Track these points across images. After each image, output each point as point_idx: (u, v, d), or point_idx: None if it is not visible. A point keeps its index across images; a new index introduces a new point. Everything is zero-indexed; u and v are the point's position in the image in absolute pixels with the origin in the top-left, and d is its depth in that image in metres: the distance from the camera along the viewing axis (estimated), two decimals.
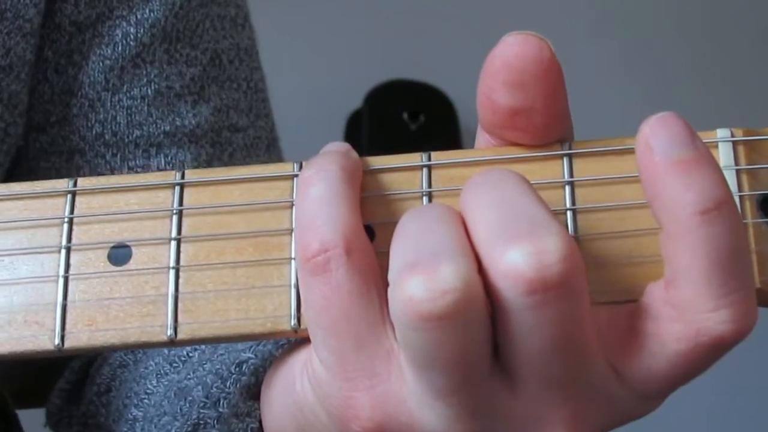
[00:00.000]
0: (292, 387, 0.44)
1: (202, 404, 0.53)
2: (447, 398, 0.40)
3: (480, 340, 0.39)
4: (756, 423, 2.03)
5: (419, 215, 0.41)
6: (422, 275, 0.37)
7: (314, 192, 0.41)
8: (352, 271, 0.40)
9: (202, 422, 0.52)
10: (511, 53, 0.41)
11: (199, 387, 0.54)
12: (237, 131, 0.71)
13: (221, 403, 0.52)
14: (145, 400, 0.59)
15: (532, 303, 0.38)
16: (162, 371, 0.60)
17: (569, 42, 2.13)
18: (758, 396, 2.03)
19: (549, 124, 0.43)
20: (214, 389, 0.53)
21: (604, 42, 2.16)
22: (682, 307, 0.39)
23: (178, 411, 0.54)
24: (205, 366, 0.56)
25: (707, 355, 0.40)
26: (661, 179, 0.39)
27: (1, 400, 0.58)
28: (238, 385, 0.51)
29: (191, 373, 0.56)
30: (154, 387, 0.59)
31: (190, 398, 0.54)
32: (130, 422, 0.59)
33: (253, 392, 0.51)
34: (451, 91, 2.12)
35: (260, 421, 0.49)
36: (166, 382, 0.58)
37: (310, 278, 0.41)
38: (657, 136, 0.39)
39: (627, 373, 0.41)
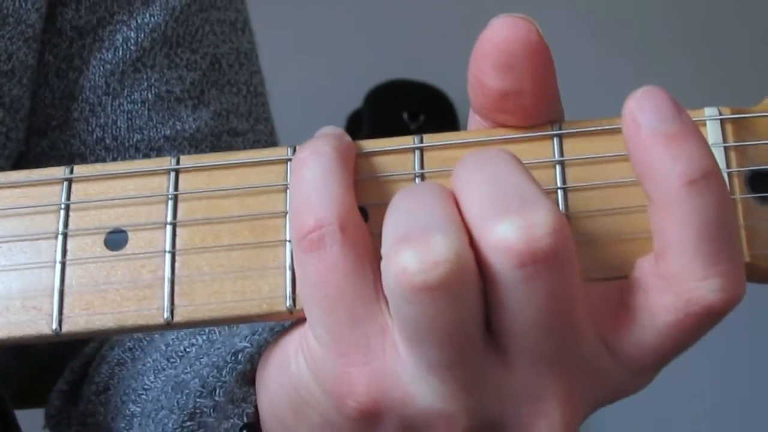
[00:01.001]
0: (287, 366, 0.45)
1: (198, 393, 0.53)
2: (441, 373, 0.40)
3: (472, 313, 0.39)
4: (756, 422, 2.04)
5: (411, 192, 0.41)
6: (414, 248, 0.38)
7: (308, 173, 0.42)
8: (346, 247, 0.41)
9: (198, 411, 0.53)
10: (499, 36, 0.42)
11: (196, 380, 0.54)
12: (237, 135, 0.71)
13: (217, 391, 0.52)
14: (143, 396, 0.59)
15: (523, 276, 0.38)
16: (159, 367, 0.60)
17: (569, 42, 2.13)
18: (759, 395, 2.03)
19: (538, 106, 0.43)
20: (210, 378, 0.53)
21: (604, 42, 2.16)
22: (672, 278, 0.40)
23: (175, 404, 0.55)
24: (202, 360, 0.56)
25: (697, 325, 0.40)
26: (649, 152, 0.39)
27: (2, 406, 0.58)
28: (234, 374, 0.52)
29: (188, 368, 0.57)
30: (152, 383, 0.59)
31: (187, 391, 0.54)
32: (127, 418, 0.60)
33: (249, 378, 0.51)
34: (451, 91, 2.13)
35: (255, 407, 0.49)
36: (163, 378, 0.59)
37: (304, 255, 0.41)
38: (643, 110, 0.40)
39: (619, 347, 0.41)
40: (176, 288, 0.44)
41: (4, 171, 0.65)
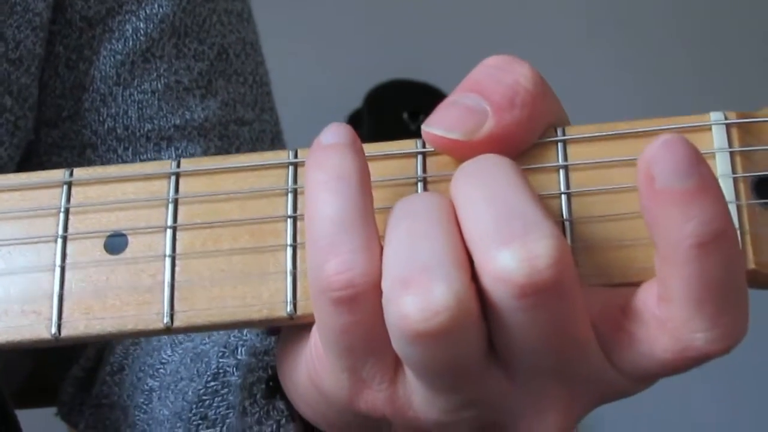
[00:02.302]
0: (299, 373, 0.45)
1: (220, 354, 0.54)
2: (446, 394, 0.41)
3: (474, 345, 0.39)
4: (756, 422, 2.03)
5: (410, 212, 0.41)
6: (415, 294, 0.37)
7: (332, 210, 0.40)
8: (378, 303, 0.40)
9: (221, 371, 0.53)
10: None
11: (215, 347, 0.54)
12: (243, 125, 0.72)
13: (239, 350, 0.53)
14: (161, 370, 0.59)
15: (524, 305, 0.38)
16: (176, 341, 0.60)
17: (569, 42, 2.13)
18: (758, 395, 2.03)
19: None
20: (232, 339, 0.53)
21: (603, 42, 2.16)
22: (672, 324, 0.40)
23: (195, 373, 0.55)
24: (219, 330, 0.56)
25: (693, 364, 0.40)
26: (660, 207, 0.38)
27: (1, 403, 0.58)
28: (254, 332, 0.52)
29: (206, 338, 0.57)
30: (169, 356, 0.59)
31: (207, 359, 0.55)
32: (146, 393, 0.60)
33: (271, 332, 0.51)
34: (450, 91, 2.12)
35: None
36: (180, 351, 0.59)
37: (331, 306, 0.40)
38: (658, 163, 0.38)
39: (617, 363, 0.41)
40: (176, 292, 0.43)
41: (14, 160, 0.65)
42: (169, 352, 0.60)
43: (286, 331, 0.46)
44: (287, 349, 0.46)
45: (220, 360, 0.53)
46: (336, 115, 2.08)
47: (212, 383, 0.53)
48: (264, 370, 0.51)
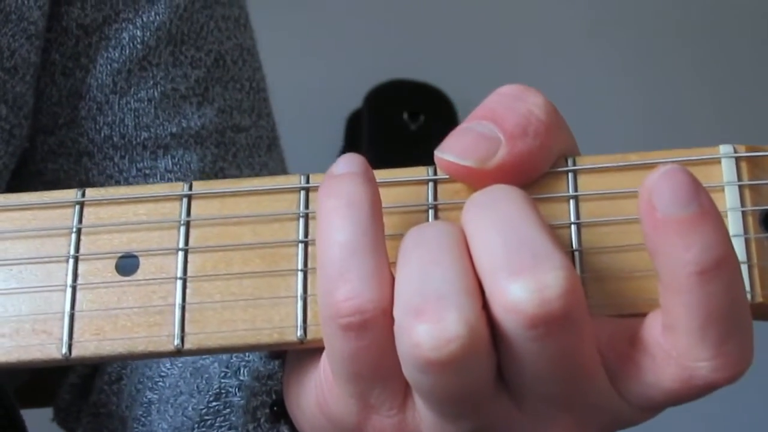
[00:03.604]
0: (308, 396, 0.45)
1: (222, 374, 0.54)
2: (456, 422, 0.41)
3: (485, 373, 0.40)
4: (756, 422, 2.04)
5: (422, 241, 0.41)
6: (428, 323, 0.38)
7: (343, 237, 0.40)
8: (387, 329, 0.40)
9: (223, 391, 0.53)
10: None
11: (216, 363, 0.54)
12: (240, 131, 0.72)
13: (242, 371, 0.53)
14: (160, 383, 0.59)
15: (534, 336, 0.38)
16: None
17: (569, 42, 2.13)
18: (759, 395, 2.03)
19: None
20: (234, 359, 0.54)
21: (604, 42, 2.16)
22: (677, 353, 0.40)
23: (195, 389, 0.55)
24: None
25: (699, 394, 0.41)
26: (661, 236, 0.39)
27: (8, 404, 0.58)
28: (257, 353, 0.52)
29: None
30: (168, 369, 0.60)
31: (207, 375, 0.55)
32: (145, 405, 0.60)
33: (274, 355, 0.51)
34: (451, 91, 2.12)
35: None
36: (180, 364, 0.59)
37: (340, 332, 0.40)
38: (659, 193, 0.39)
39: (624, 392, 0.42)
40: (187, 315, 0.44)
41: (8, 167, 0.65)
42: (168, 365, 0.60)
43: (295, 355, 0.47)
44: (295, 374, 0.46)
45: (222, 380, 0.53)
46: (336, 115, 2.08)
47: (214, 403, 0.53)
48: (268, 395, 0.51)
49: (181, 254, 0.44)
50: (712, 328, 0.39)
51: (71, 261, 0.45)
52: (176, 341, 0.43)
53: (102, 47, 0.68)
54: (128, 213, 0.45)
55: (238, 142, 0.71)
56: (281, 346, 0.44)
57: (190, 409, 0.55)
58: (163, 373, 0.60)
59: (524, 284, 0.38)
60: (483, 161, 0.42)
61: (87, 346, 0.44)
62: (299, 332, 0.43)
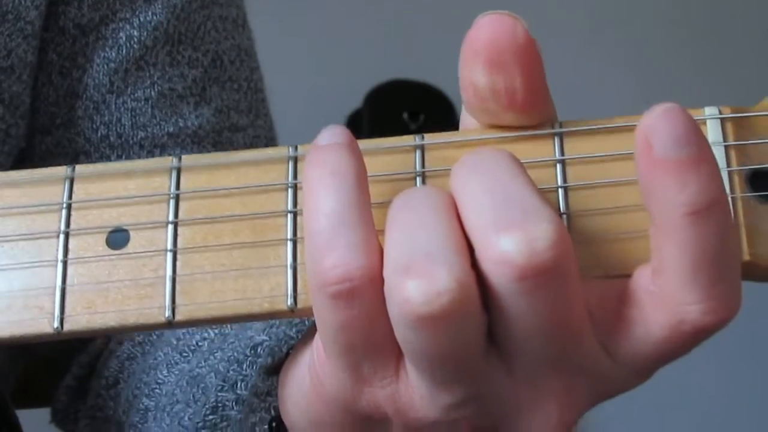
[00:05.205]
0: (303, 382, 0.45)
1: (219, 387, 0.54)
2: (447, 387, 0.41)
3: (475, 331, 0.40)
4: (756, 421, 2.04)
5: (410, 204, 0.41)
6: (417, 278, 0.38)
7: (329, 206, 0.40)
8: (375, 299, 0.40)
9: (220, 405, 0.53)
10: (486, 35, 0.41)
11: (212, 374, 0.54)
12: (237, 131, 0.72)
13: (239, 385, 0.53)
14: (156, 390, 0.59)
15: (524, 288, 0.38)
16: (172, 361, 0.60)
17: (569, 39, 2.14)
18: (759, 394, 2.03)
19: (531, 103, 0.43)
20: (231, 373, 0.54)
21: (604, 41, 2.16)
22: (666, 297, 0.40)
23: (191, 398, 0.55)
24: (216, 354, 0.56)
25: (689, 340, 0.41)
26: (657, 175, 0.39)
27: (2, 405, 0.58)
28: (255, 367, 0.52)
29: (202, 362, 0.57)
30: (165, 377, 0.60)
31: (203, 385, 0.55)
32: (141, 412, 0.60)
33: (271, 371, 0.51)
34: (451, 91, 2.12)
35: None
36: (176, 372, 0.59)
37: (329, 301, 0.40)
38: (657, 131, 0.39)
39: (616, 351, 0.42)
40: (177, 287, 0.44)
41: (4, 168, 0.66)
42: (165, 372, 0.60)
43: (290, 357, 0.47)
44: (290, 368, 0.46)
45: (219, 393, 0.53)
46: (336, 115, 2.09)
47: (211, 416, 0.53)
48: (267, 411, 0.51)
49: (170, 227, 0.45)
50: (703, 270, 0.39)
51: (62, 236, 0.45)
52: (167, 313, 0.44)
53: (99, 47, 0.68)
54: (118, 188, 0.46)
55: (236, 141, 0.72)
56: (272, 316, 0.44)
57: (186, 419, 0.55)
58: (159, 380, 0.60)
59: (514, 238, 0.38)
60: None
61: (79, 320, 0.44)
62: (290, 301, 0.43)
